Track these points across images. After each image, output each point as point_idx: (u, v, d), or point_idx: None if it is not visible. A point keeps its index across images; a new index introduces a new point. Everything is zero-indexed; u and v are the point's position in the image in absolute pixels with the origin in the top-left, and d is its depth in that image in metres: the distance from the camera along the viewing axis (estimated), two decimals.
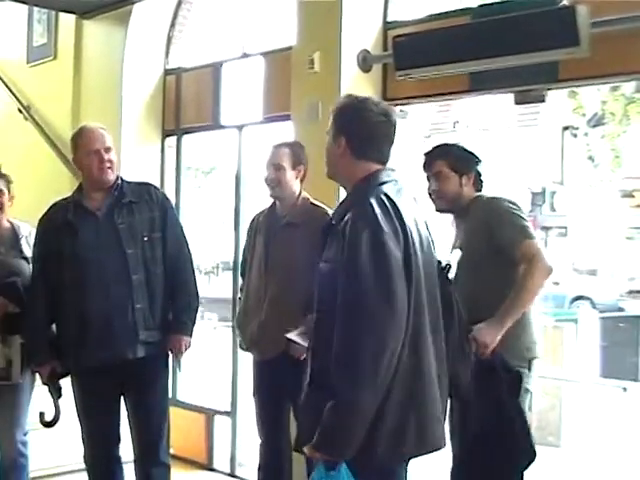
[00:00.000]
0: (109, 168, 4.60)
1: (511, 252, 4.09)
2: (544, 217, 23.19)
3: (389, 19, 5.98)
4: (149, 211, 4.66)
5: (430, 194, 4.43)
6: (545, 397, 8.55)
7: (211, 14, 7.71)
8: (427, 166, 4.42)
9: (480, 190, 4.43)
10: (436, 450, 3.23)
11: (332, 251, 3.19)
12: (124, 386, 4.68)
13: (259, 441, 5.18)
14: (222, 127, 7.32)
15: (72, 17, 8.32)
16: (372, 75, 5.89)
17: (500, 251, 4.12)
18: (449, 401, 3.45)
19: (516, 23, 4.87)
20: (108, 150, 4.61)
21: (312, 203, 4.97)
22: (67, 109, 8.23)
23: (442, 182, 4.35)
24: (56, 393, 4.71)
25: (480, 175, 4.45)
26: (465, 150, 4.47)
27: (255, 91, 6.87)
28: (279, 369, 4.77)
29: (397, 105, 5.96)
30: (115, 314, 4.51)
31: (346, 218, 3.12)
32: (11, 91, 8.98)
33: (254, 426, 5.24)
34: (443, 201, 4.40)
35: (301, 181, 4.99)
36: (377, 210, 3.07)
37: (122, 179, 4.71)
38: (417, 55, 5.34)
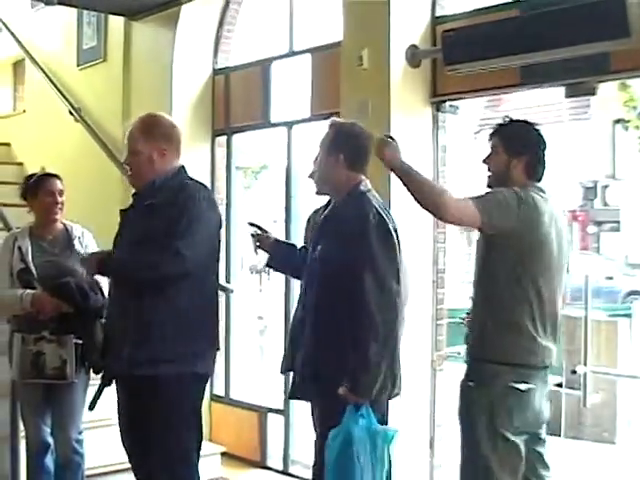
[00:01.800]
0: (130, 176, 4.38)
1: None
2: (596, 212, 23.02)
3: (437, 14, 5.95)
4: (167, 216, 4.09)
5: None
6: (600, 393, 8.47)
7: (259, 12, 7.73)
8: (490, 136, 4.19)
9: (536, 179, 4.07)
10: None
11: (329, 238, 4.05)
12: None
13: (314, 438, 5.17)
14: (272, 125, 7.33)
15: (121, 19, 8.39)
16: (421, 70, 5.87)
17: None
18: None
19: (566, 15, 4.83)
20: (127, 163, 4.37)
21: None
22: (117, 110, 8.30)
23: (492, 157, 4.11)
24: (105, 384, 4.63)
25: (538, 163, 4.08)
26: (528, 132, 4.12)
27: (304, 88, 6.87)
28: None
29: (447, 100, 5.95)
30: (113, 325, 4.35)
31: (349, 214, 4.00)
32: (62, 94, 9.07)
33: (307, 423, 5.23)
34: (488, 175, 4.16)
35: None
36: (379, 208, 3.99)
37: (167, 177, 4.28)
38: (466, 49, 5.30)
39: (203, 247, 4.12)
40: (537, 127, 4.11)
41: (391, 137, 3.98)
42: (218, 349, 4.45)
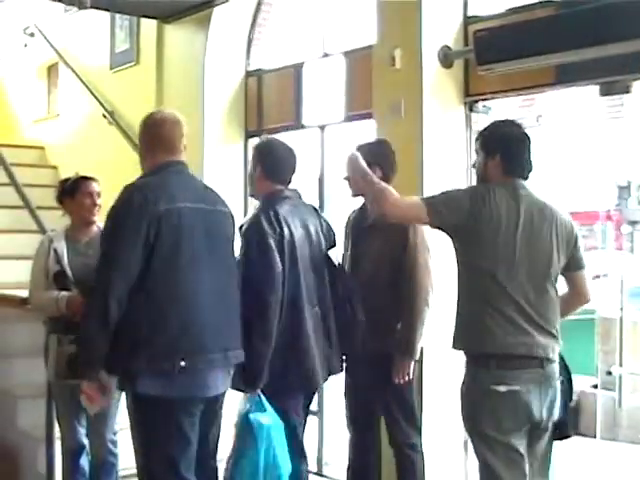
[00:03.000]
0: None
1: None
2: (631, 211, 22.79)
3: (469, 14, 5.93)
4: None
5: None
6: (636, 394, 8.41)
7: (291, 15, 7.73)
8: (475, 140, 4.20)
9: (514, 175, 3.95)
10: (315, 388, 4.71)
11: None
12: None
13: (348, 440, 5.18)
14: (304, 127, 7.34)
15: (153, 22, 8.44)
16: (454, 71, 5.85)
17: None
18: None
19: (600, 13, 4.80)
20: None
21: None
22: None
23: (477, 160, 4.13)
24: None
25: (512, 159, 3.96)
26: (499, 130, 4.06)
27: (336, 90, 6.87)
28: (371, 371, 4.79)
29: (480, 101, 5.93)
30: None
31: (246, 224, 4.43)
32: (95, 97, 9.14)
33: (341, 425, 5.23)
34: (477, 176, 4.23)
35: (384, 180, 4.96)
36: (263, 219, 4.34)
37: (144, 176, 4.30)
38: (499, 49, 5.28)
39: (127, 250, 3.85)
40: (514, 124, 4.09)
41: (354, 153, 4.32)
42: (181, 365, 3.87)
